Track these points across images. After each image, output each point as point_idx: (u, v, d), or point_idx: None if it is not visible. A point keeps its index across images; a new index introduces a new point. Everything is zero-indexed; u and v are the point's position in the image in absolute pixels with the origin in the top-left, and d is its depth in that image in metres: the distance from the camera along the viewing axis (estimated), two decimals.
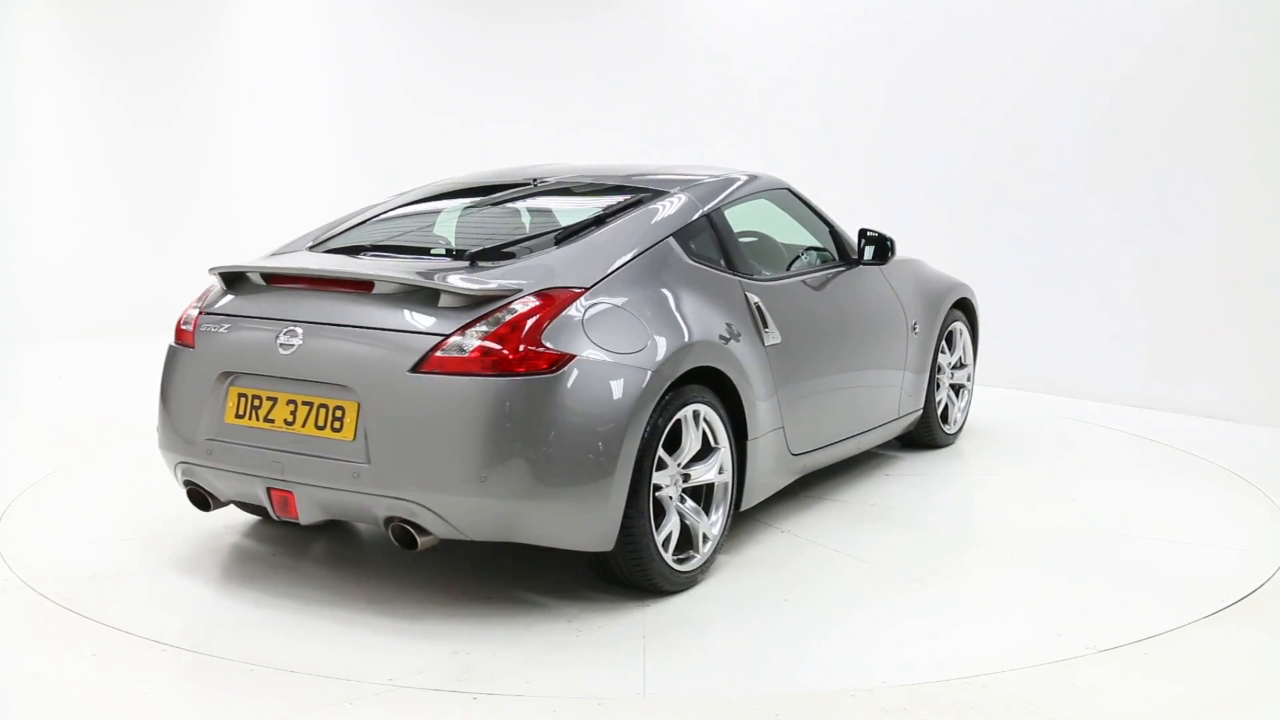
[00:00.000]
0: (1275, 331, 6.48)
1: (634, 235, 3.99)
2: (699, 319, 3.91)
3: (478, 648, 3.39)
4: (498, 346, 3.39)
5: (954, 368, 5.84)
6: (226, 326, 3.84)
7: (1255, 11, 6.44)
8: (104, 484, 5.11)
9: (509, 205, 4.62)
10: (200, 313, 3.97)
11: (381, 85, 10.71)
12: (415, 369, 3.42)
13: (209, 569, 4.09)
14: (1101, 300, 7.19)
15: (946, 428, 5.79)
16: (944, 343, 5.67)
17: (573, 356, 3.46)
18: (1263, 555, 4.24)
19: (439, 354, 3.41)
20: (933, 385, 5.55)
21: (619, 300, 3.70)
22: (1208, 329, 6.73)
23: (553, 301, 3.54)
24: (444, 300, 3.51)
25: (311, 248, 4.33)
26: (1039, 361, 7.35)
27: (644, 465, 3.55)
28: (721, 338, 3.97)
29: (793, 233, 5.02)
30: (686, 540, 3.82)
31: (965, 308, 5.88)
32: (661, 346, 3.66)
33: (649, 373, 3.56)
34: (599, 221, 4.04)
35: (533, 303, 3.50)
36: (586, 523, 3.47)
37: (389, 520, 3.50)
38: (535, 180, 4.70)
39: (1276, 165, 6.43)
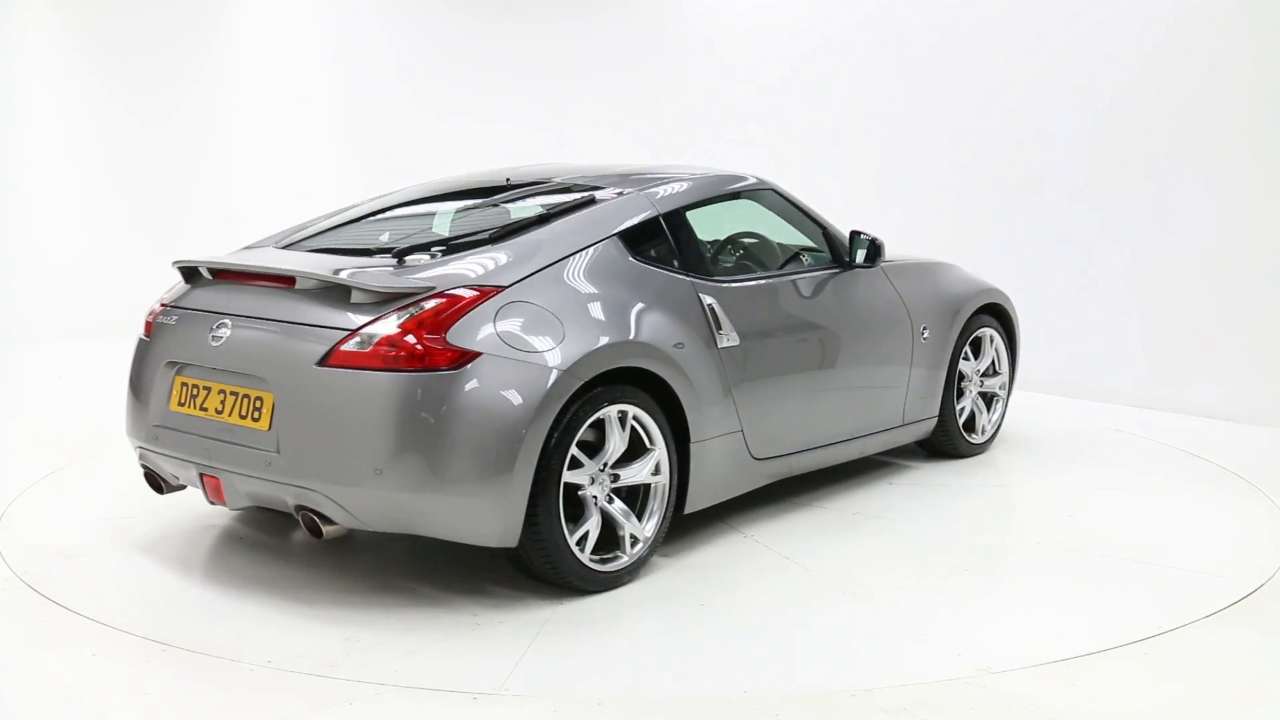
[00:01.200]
0: (1275, 331, 6.48)
1: (571, 235, 4.00)
2: (631, 319, 3.92)
3: (369, 635, 3.45)
4: (398, 343, 3.46)
5: (983, 375, 5.63)
6: (176, 318, 4.05)
7: (1256, 12, 6.44)
8: (104, 484, 5.11)
9: (470, 205, 4.59)
10: (160, 305, 4.18)
11: (381, 85, 10.71)
12: (322, 363, 3.52)
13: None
14: (1101, 300, 7.19)
15: (973, 436, 5.59)
16: (969, 349, 5.50)
17: (477, 354, 3.49)
18: (1263, 555, 4.24)
19: (343, 348, 3.50)
20: (951, 392, 5.38)
21: (539, 299, 3.73)
22: (1208, 329, 6.73)
23: (463, 299, 3.58)
24: (355, 297, 3.60)
25: (279, 245, 4.46)
26: (1039, 361, 7.34)
27: (552, 463, 3.58)
28: (658, 339, 3.93)
29: (787, 235, 5.01)
30: (615, 540, 3.84)
31: (999, 314, 5.68)
32: (575, 346, 3.66)
33: (557, 372, 3.58)
34: (542, 220, 4.07)
35: (440, 300, 3.56)
36: (485, 519, 3.51)
37: (298, 508, 3.61)
38: (508, 179, 4.74)
39: (1277, 165, 6.43)
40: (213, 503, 3.90)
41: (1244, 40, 6.50)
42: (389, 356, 3.45)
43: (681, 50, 9.25)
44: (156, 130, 10.44)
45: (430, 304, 3.54)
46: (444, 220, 4.55)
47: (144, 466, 4.14)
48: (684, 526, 4.43)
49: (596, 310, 3.85)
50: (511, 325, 3.60)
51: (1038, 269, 7.46)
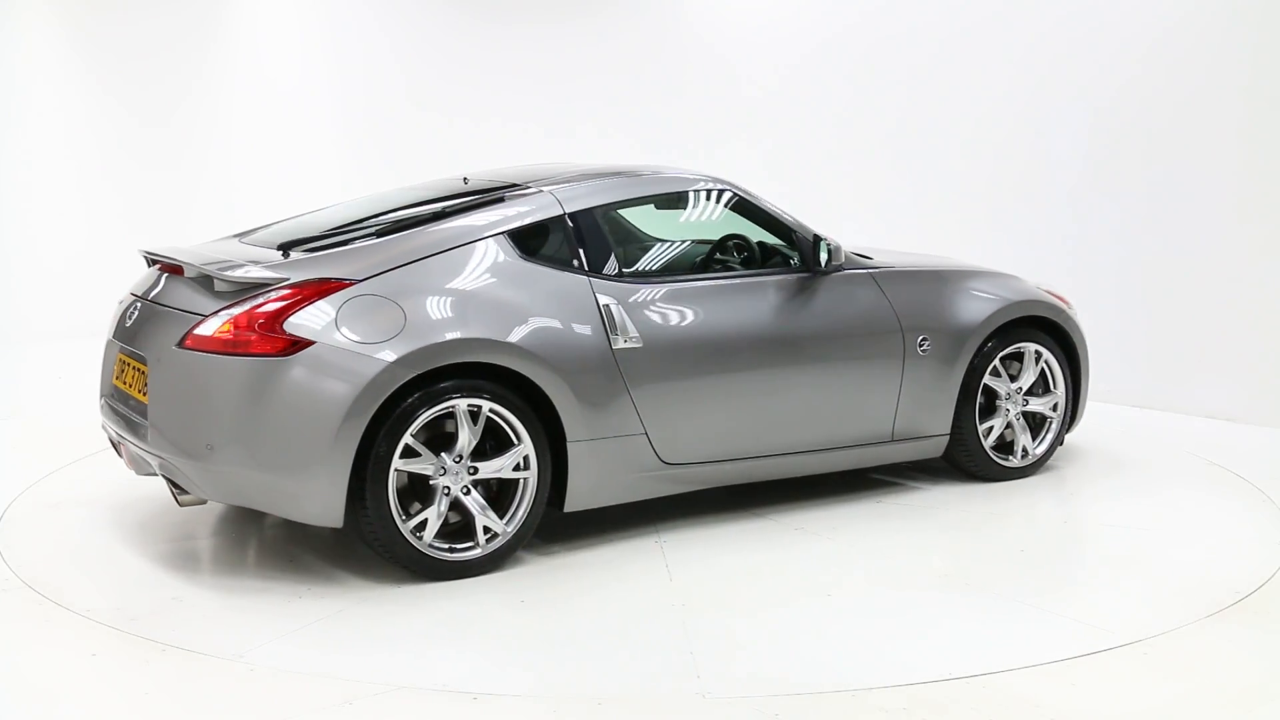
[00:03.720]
0: (1275, 331, 6.48)
1: (453, 232, 4.13)
2: (496, 317, 3.98)
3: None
4: (236, 329, 3.73)
5: (1026, 394, 5.15)
6: (127, 301, 4.41)
7: (1256, 12, 6.44)
8: (104, 484, 5.11)
9: (403, 205, 4.54)
10: (129, 291, 4.53)
11: (382, 85, 10.70)
12: (179, 344, 3.82)
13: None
14: (1101, 300, 7.18)
15: (1008, 459, 5.13)
16: (999, 365, 5.06)
17: (311, 343, 3.70)
18: (1263, 555, 4.24)
19: (195, 332, 3.80)
20: (970, 409, 4.98)
21: (390, 293, 3.88)
22: (1208, 329, 6.73)
23: (309, 291, 3.80)
24: (218, 285, 3.89)
25: (240, 237, 4.71)
26: None
27: (379, 451, 3.73)
28: (528, 337, 3.98)
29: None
30: (472, 530, 3.97)
31: (1052, 329, 5.22)
32: (412, 340, 3.79)
33: (386, 364, 3.72)
34: (436, 218, 4.20)
35: (285, 291, 3.79)
36: (306, 499, 3.74)
37: (164, 476, 3.95)
38: (465, 179, 4.81)
39: (1277, 165, 6.43)
40: (129, 469, 4.24)
41: (1244, 40, 6.49)
42: (226, 341, 3.73)
43: (682, 50, 9.25)
44: (156, 129, 10.44)
45: (276, 294, 3.78)
46: (364, 218, 4.50)
47: (108, 435, 4.44)
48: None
49: (453, 306, 3.96)
50: (352, 317, 3.78)
51: (1037, 269, 7.44)
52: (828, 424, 4.70)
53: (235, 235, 4.75)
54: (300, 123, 10.95)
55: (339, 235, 4.18)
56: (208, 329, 3.77)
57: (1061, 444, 5.40)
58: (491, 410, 3.92)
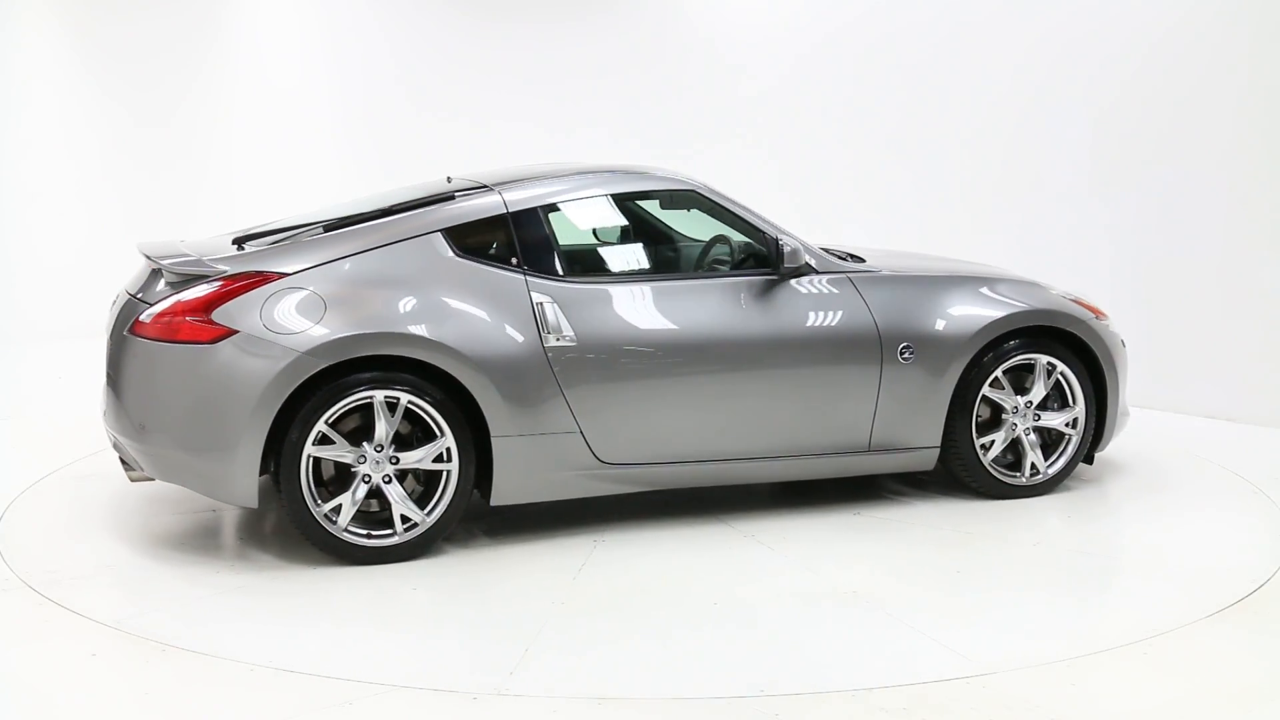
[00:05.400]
0: (1275, 331, 6.48)
1: (391, 229, 4.25)
2: (416, 312, 4.08)
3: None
4: (170, 317, 3.99)
5: (1037, 408, 4.83)
6: (119, 295, 4.50)
7: (1257, 12, 6.44)
8: (104, 484, 5.11)
9: (377, 204, 4.59)
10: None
11: (382, 86, 10.70)
12: (130, 331, 4.08)
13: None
14: (1101, 300, 7.17)
15: (1013, 476, 4.85)
16: (1001, 376, 4.77)
17: (235, 332, 3.92)
18: (1263, 555, 4.24)
19: (140, 319, 4.06)
20: (964, 425, 4.73)
21: (316, 287, 4.05)
22: (1208, 329, 6.73)
23: (239, 283, 4.02)
24: (167, 277, 4.14)
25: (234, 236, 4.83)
26: None
27: (293, 438, 3.94)
28: (449, 332, 4.06)
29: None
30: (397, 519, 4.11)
31: (1071, 340, 4.89)
32: (327, 332, 3.96)
33: (298, 354, 3.91)
34: (385, 213, 4.34)
35: (218, 284, 4.01)
36: (220, 481, 3.98)
37: (117, 452, 4.25)
38: (449, 178, 4.89)
39: (1277, 165, 6.42)
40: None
41: (1245, 41, 6.49)
42: (162, 328, 3.99)
43: (682, 50, 9.24)
44: (156, 130, 10.42)
45: (210, 286, 4.01)
46: (337, 216, 4.55)
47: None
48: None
49: (374, 301, 4.08)
50: (277, 309, 3.98)
51: (1037, 269, 7.44)
52: (789, 430, 4.55)
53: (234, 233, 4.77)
54: (300, 124, 10.94)
55: (290, 230, 4.39)
56: (147, 316, 4.03)
57: (1090, 463, 5.08)
58: (411, 403, 4.04)
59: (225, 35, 10.84)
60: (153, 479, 4.16)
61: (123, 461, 4.28)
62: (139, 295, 4.23)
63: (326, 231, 4.27)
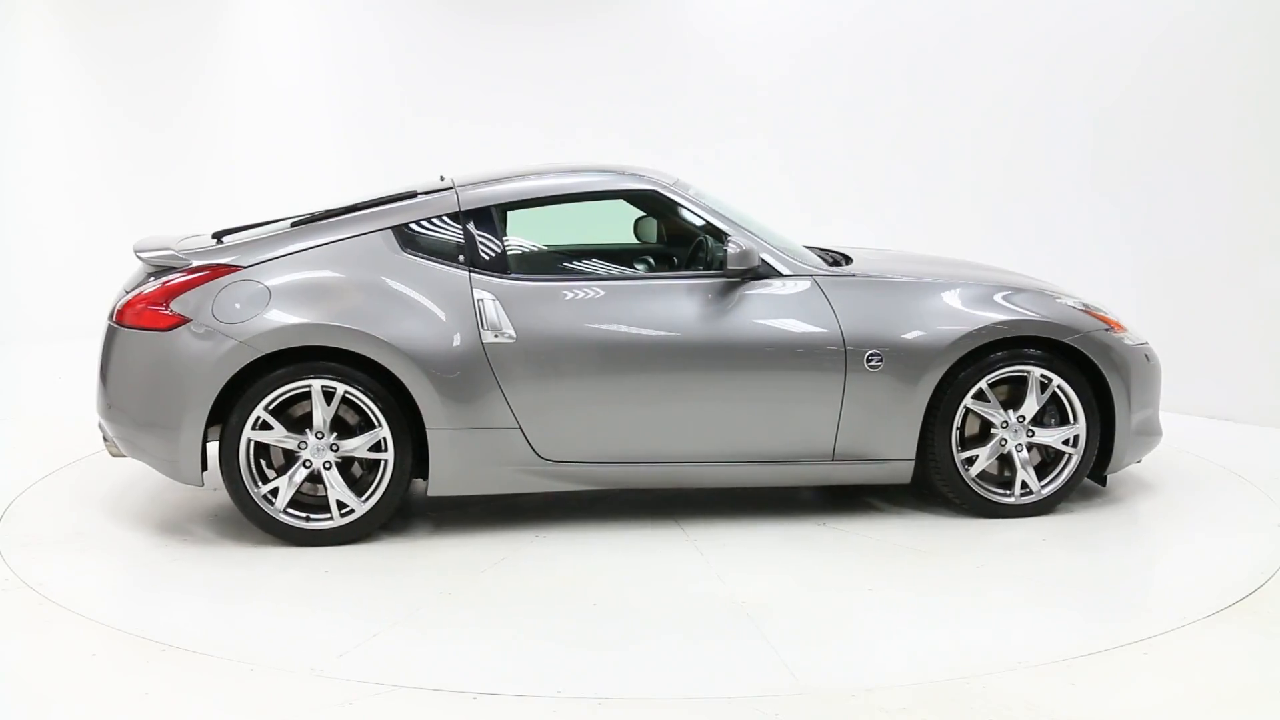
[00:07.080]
0: (1275, 331, 6.48)
1: (344, 227, 4.42)
2: (353, 305, 4.24)
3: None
4: (138, 305, 4.28)
5: (1030, 423, 4.58)
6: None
7: (1257, 12, 6.44)
8: (104, 484, 5.11)
9: (352, 203, 4.77)
10: None
11: (382, 87, 10.70)
12: (110, 318, 4.38)
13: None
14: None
15: (1003, 494, 4.61)
16: (985, 389, 4.54)
17: (188, 320, 4.18)
18: (1263, 555, 4.23)
19: (117, 307, 4.35)
20: (944, 438, 4.51)
21: (267, 279, 4.26)
22: (1208, 329, 6.73)
23: (199, 274, 4.27)
24: (146, 268, 4.41)
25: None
26: None
27: (232, 422, 4.18)
28: (384, 325, 4.20)
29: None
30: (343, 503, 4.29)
31: (1071, 353, 4.60)
32: (266, 323, 4.16)
33: (234, 342, 4.14)
34: (348, 210, 4.51)
35: (182, 275, 4.27)
36: (166, 461, 4.26)
37: (100, 427, 4.50)
38: (441, 177, 4.97)
39: (1277, 165, 6.42)
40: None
41: (1247, 40, 6.49)
42: (132, 316, 4.27)
43: (682, 50, 9.24)
44: (156, 132, 10.42)
45: (174, 277, 4.27)
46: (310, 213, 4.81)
47: None
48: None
49: (315, 294, 4.25)
50: (228, 300, 4.21)
51: (1037, 269, 7.44)
52: (740, 435, 4.45)
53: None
54: (300, 125, 10.95)
55: (263, 226, 4.63)
56: (122, 304, 4.33)
57: (1104, 485, 4.88)
58: (348, 393, 4.21)
59: (225, 37, 10.84)
60: (124, 455, 4.44)
61: (104, 436, 4.53)
62: (129, 289, 4.44)
63: (294, 227, 4.47)
